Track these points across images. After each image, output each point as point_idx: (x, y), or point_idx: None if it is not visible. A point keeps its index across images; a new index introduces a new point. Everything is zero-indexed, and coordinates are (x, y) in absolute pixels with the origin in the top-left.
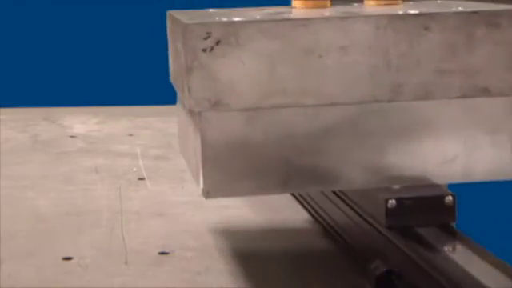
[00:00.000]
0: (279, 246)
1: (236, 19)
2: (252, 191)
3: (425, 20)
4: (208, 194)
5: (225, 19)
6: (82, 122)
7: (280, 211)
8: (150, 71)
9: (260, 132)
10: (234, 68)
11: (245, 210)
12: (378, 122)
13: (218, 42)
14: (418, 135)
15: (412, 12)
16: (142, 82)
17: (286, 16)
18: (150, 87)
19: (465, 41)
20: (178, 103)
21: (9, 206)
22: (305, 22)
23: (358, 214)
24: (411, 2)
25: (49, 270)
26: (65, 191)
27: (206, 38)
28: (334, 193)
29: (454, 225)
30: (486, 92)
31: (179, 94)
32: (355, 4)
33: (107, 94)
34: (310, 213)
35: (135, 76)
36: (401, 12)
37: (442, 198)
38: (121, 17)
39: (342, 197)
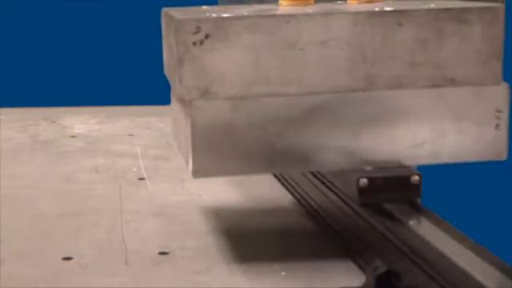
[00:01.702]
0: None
1: (224, 15)
2: (237, 171)
3: (399, 16)
4: (197, 173)
5: (214, 15)
6: (81, 122)
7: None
8: (150, 71)
9: (245, 118)
10: (221, 60)
11: (241, 212)
12: (353, 109)
13: (207, 36)
14: (390, 122)
15: (387, 9)
16: (142, 82)
17: (270, 12)
18: (150, 87)
19: (435, 36)
20: (171, 94)
21: (9, 206)
22: (288, 18)
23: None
24: (390, 1)
25: (49, 270)
26: (65, 191)
27: (196, 33)
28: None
29: (419, 201)
30: (453, 82)
31: (172, 85)
32: (338, 2)
33: (107, 94)
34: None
35: (135, 76)
36: (377, 9)
37: (408, 177)
38: (121, 17)
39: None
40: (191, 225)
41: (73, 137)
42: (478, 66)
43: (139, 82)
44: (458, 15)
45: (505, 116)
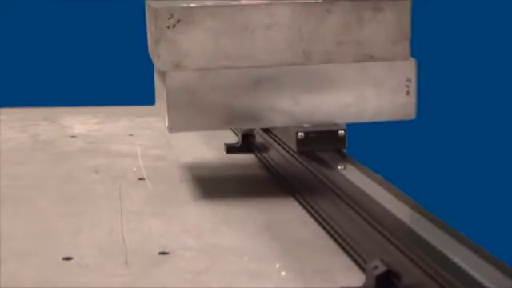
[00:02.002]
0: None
1: (192, 5)
2: (203, 127)
3: (328, 5)
4: (171, 129)
5: (184, 5)
6: (81, 122)
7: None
8: (150, 71)
9: (208, 85)
10: (190, 40)
11: (241, 210)
12: (293, 79)
13: (178, 21)
14: (323, 89)
15: (319, 0)
16: (142, 82)
17: (228, 3)
18: (150, 87)
19: (357, 21)
20: (154, 70)
21: (9, 206)
22: (241, 7)
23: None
24: None
25: (49, 270)
26: (65, 191)
27: (169, 18)
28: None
29: (345, 150)
30: (371, 58)
31: (153, 61)
32: None
33: (107, 94)
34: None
35: (135, 76)
36: (311, 0)
37: (336, 131)
38: (121, 17)
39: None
40: (191, 225)
41: (73, 137)
42: (391, 45)
43: (139, 82)
44: (374, 5)
45: (413, 85)
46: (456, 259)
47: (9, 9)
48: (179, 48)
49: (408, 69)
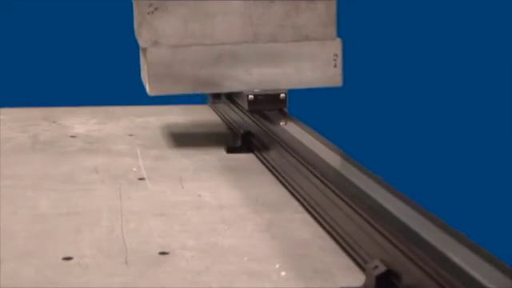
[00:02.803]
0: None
1: None
2: (177, 91)
3: None
4: (151, 92)
5: None
6: (81, 122)
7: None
8: None
9: (180, 59)
10: (165, 23)
11: (243, 210)
12: (246, 54)
13: (156, 9)
14: (270, 63)
15: None
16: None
17: None
18: None
19: (295, 9)
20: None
21: (9, 206)
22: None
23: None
24: None
25: (49, 270)
26: (65, 191)
27: (149, 6)
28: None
29: (286, 110)
30: (307, 38)
31: (137, 40)
32: None
33: (107, 94)
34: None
35: (135, 76)
36: None
37: (279, 94)
38: (120, 17)
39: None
40: (191, 225)
41: (73, 137)
42: (322, 28)
43: (139, 82)
44: None
45: (339, 59)
46: (456, 259)
47: (9, 9)
48: (157, 29)
49: (335, 47)
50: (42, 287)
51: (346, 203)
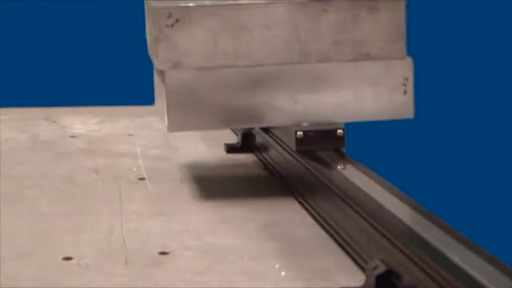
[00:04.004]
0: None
1: (190, 4)
2: (202, 127)
3: (324, 5)
4: (171, 128)
5: (182, 4)
6: (81, 122)
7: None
8: (150, 71)
9: (208, 84)
10: (188, 39)
11: (244, 210)
12: (291, 78)
13: (177, 20)
14: (321, 88)
15: None
16: (142, 81)
17: (226, 2)
18: (150, 87)
19: (352, 20)
20: (154, 69)
21: (9, 206)
22: (239, 6)
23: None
24: None
25: (49, 270)
26: (65, 191)
27: (168, 17)
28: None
29: (343, 150)
30: (368, 57)
31: (152, 60)
32: None
33: (107, 94)
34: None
35: (135, 76)
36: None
37: (335, 130)
38: (120, 16)
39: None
40: (191, 225)
41: (73, 137)
42: (387, 44)
43: (139, 81)
44: (370, 4)
45: (410, 84)
46: (456, 259)
47: (9, 9)
48: (178, 47)
49: (405, 68)
50: (42, 287)
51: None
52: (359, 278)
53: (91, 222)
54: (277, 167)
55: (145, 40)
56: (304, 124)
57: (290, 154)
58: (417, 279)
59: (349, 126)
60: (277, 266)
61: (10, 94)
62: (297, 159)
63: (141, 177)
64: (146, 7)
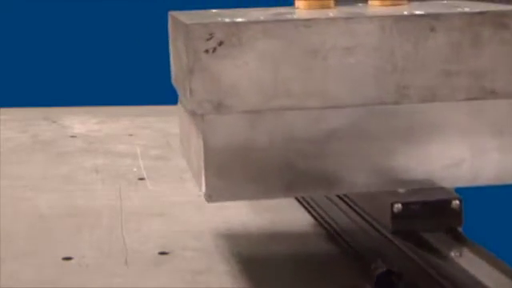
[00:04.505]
0: (281, 249)
1: (238, 20)
2: (255, 195)
3: (430, 20)
4: (210, 198)
5: (227, 20)
6: (81, 122)
7: (282, 213)
8: (150, 71)
9: (264, 135)
10: (236, 69)
11: (245, 210)
12: (383, 124)
13: (220, 43)
14: (424, 138)
15: (417, 13)
16: (142, 82)
17: (289, 16)
18: (150, 87)
19: (471, 42)
20: (179, 104)
21: (9, 206)
22: (309, 22)
23: (362, 217)
24: (417, 3)
25: (49, 270)
26: (65, 191)
27: (208, 39)
28: (338, 195)
29: (460, 229)
30: (492, 94)
31: (181, 96)
32: (360, 4)
33: (107, 94)
34: (312, 215)
35: (135, 76)
36: (406, 12)
37: (448, 202)
38: (120, 16)
39: (346, 199)
40: (191, 225)
41: (73, 137)
42: None
43: (139, 82)
44: (494, 19)
45: None
46: (457, 260)
47: (9, 9)
48: (221, 81)
49: None
50: (42, 287)
51: None
52: None
53: (91, 222)
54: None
55: (145, 40)
56: (400, 190)
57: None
58: (417, 279)
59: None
60: (277, 267)
61: (10, 94)
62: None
63: (141, 177)
64: (170, 21)
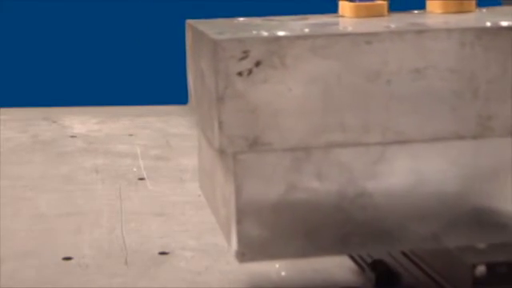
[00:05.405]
0: None
1: (280, 34)
2: (301, 253)
3: None
4: (243, 256)
5: (265, 34)
6: (81, 122)
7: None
8: (150, 71)
9: (312, 178)
10: (278, 96)
11: None
12: (461, 163)
13: (257, 64)
14: (511, 179)
15: (504, 24)
16: (142, 82)
17: (342, 29)
18: (150, 87)
19: None
20: (199, 133)
21: (9, 206)
22: (369, 36)
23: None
24: (484, 10)
25: (49, 269)
26: (65, 191)
27: (242, 59)
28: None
29: None
30: None
31: (204, 127)
32: (415, 11)
33: (107, 94)
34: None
35: (135, 76)
36: (489, 24)
37: None
38: (120, 16)
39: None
40: (191, 225)
41: (73, 137)
42: None
43: (139, 82)
44: None
45: None
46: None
47: (9, 9)
48: (259, 111)
49: None
50: (42, 287)
51: None
52: None
53: (91, 222)
54: None
55: (145, 40)
56: (480, 246)
57: None
58: (417, 279)
59: None
60: (277, 266)
61: (10, 94)
62: None
63: (141, 177)
64: (188, 33)
